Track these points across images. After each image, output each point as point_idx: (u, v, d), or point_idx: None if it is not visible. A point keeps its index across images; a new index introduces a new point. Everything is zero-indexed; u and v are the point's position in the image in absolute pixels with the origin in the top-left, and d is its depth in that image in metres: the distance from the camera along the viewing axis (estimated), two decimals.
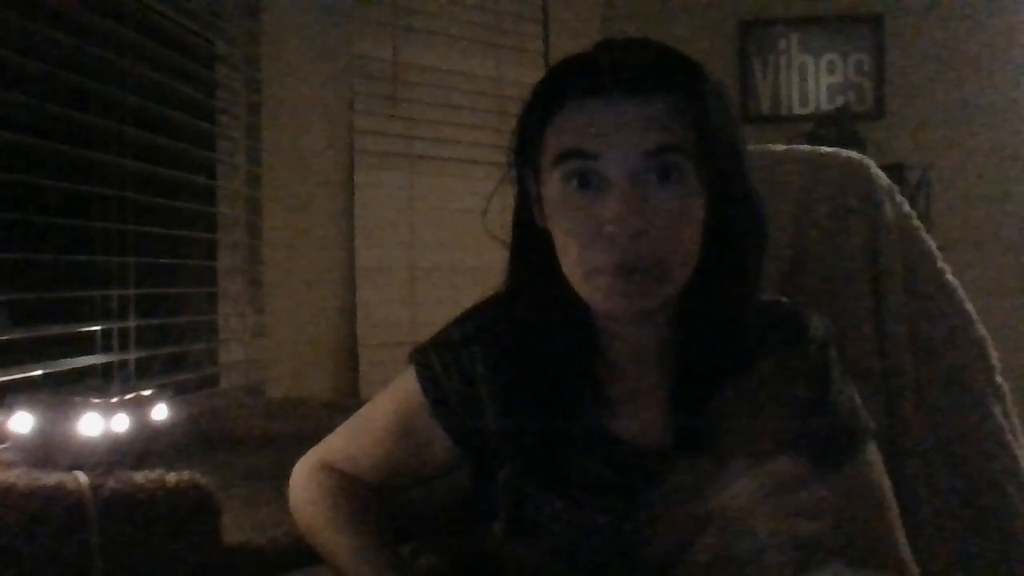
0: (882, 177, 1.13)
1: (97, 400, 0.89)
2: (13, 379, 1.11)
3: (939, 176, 2.77)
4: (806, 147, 1.18)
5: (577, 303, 0.77)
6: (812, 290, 1.09)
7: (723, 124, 0.73)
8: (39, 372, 1.17)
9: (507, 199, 0.83)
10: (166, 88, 1.56)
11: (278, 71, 1.86)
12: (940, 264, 1.11)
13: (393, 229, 2.12)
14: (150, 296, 1.49)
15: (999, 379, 1.08)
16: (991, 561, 1.02)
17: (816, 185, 1.12)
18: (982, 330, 1.09)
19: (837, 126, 2.73)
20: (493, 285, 0.85)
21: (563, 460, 0.79)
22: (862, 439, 0.80)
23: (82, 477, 0.80)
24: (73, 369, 1.25)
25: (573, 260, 0.74)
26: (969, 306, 1.10)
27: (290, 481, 0.92)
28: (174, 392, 1.29)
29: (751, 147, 0.85)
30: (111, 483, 0.80)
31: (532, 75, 2.22)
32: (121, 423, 0.89)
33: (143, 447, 0.91)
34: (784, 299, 0.87)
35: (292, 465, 0.93)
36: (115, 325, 1.38)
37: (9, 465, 0.83)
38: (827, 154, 1.15)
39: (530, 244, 0.80)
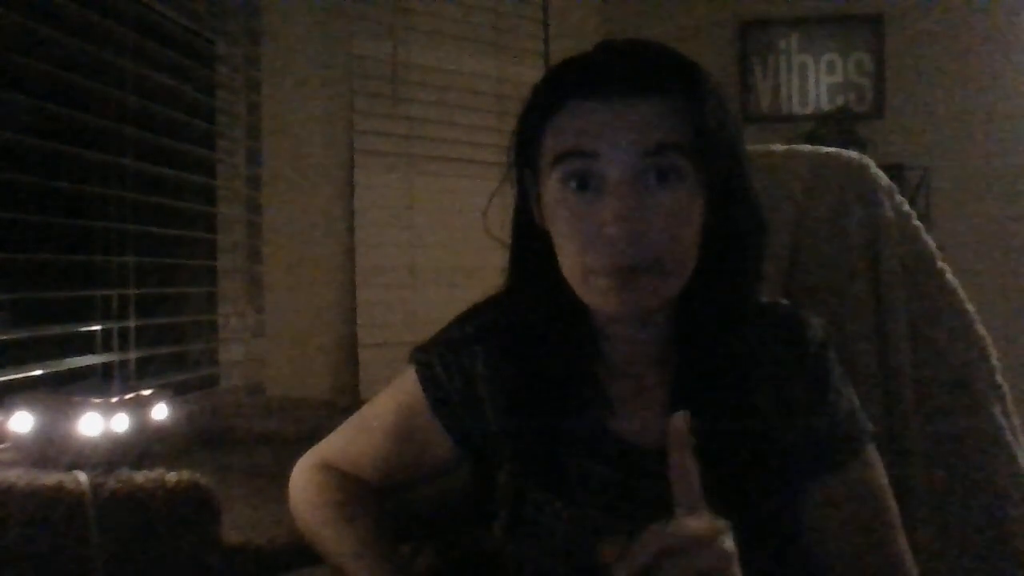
0: (882, 177, 1.13)
1: (97, 400, 0.89)
2: (13, 379, 1.11)
3: (939, 176, 2.77)
4: (806, 147, 1.18)
5: (577, 303, 0.77)
6: (812, 290, 1.09)
7: (722, 124, 0.73)
8: (39, 372, 1.17)
9: (507, 199, 0.83)
10: (166, 88, 1.56)
11: (278, 71, 1.86)
12: (940, 264, 1.11)
13: (393, 229, 2.12)
14: (150, 296, 1.49)
15: (999, 379, 1.08)
16: (991, 561, 1.02)
17: (816, 185, 1.12)
18: (982, 330, 1.09)
19: (837, 126, 2.74)
20: (493, 285, 0.85)
21: (563, 460, 0.79)
22: (861, 441, 0.80)
23: (82, 477, 0.80)
24: (73, 369, 1.25)
25: (572, 261, 0.74)
26: (969, 306, 1.10)
27: (290, 481, 0.92)
28: (174, 392, 1.29)
29: (751, 147, 0.85)
30: (111, 483, 0.80)
31: (532, 75, 2.22)
32: (121, 423, 0.89)
33: (143, 447, 0.91)
34: (783, 301, 0.87)
35: (292, 465, 0.93)
36: (115, 325, 1.38)
37: (9, 465, 0.83)
38: (827, 154, 1.15)
39: (530, 244, 0.80)
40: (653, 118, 0.70)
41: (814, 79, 2.99)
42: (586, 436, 0.79)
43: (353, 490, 0.88)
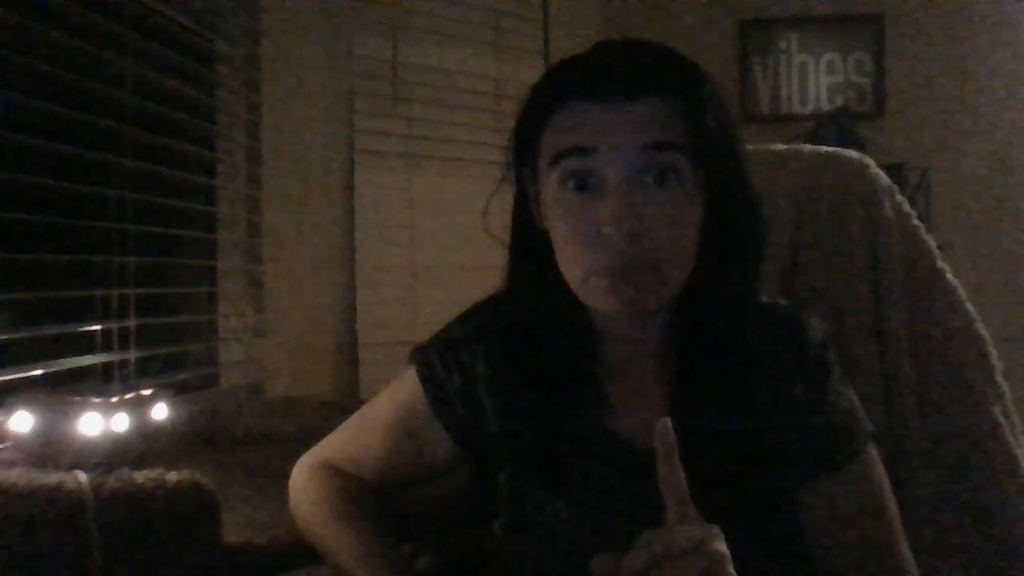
0: (882, 177, 1.13)
1: (97, 400, 0.89)
2: (13, 379, 1.11)
3: (939, 176, 2.77)
4: (806, 147, 1.18)
5: (576, 303, 0.77)
6: (812, 290, 1.09)
7: (721, 124, 0.73)
8: (39, 372, 1.17)
9: (507, 199, 0.83)
10: (166, 88, 1.55)
11: (278, 71, 1.86)
12: (940, 264, 1.11)
13: (393, 229, 2.12)
14: (150, 296, 1.49)
15: (999, 379, 1.08)
16: (991, 561, 1.02)
17: (816, 185, 1.12)
18: (982, 330, 1.09)
19: (837, 126, 2.73)
20: (493, 285, 0.85)
21: (563, 460, 0.79)
22: (862, 441, 0.80)
23: (82, 477, 0.80)
24: (73, 369, 1.25)
25: (570, 261, 0.74)
26: (969, 306, 1.10)
27: (290, 481, 0.92)
28: (174, 392, 1.29)
29: (751, 147, 0.85)
30: (111, 483, 0.80)
31: (532, 75, 2.21)
32: (121, 423, 0.89)
33: (143, 447, 0.91)
34: (783, 301, 0.87)
35: (292, 465, 0.93)
36: (115, 325, 1.38)
37: (9, 465, 0.83)
38: (827, 154, 1.15)
39: (529, 244, 0.80)
40: (652, 118, 0.70)
41: (814, 79, 2.99)
42: (586, 436, 0.79)
43: (353, 490, 0.88)
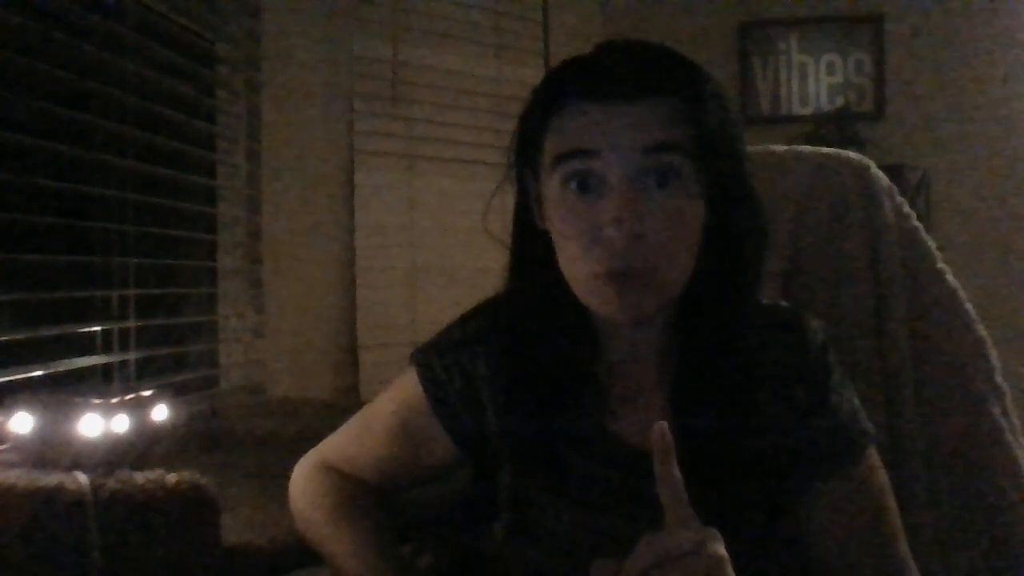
0: (882, 177, 1.13)
1: (97, 400, 0.89)
2: (13, 379, 1.11)
3: (939, 176, 2.77)
4: (806, 148, 1.18)
5: (577, 304, 0.77)
6: (812, 290, 1.09)
7: (723, 126, 0.73)
8: (39, 373, 1.17)
9: (507, 199, 0.83)
10: (166, 88, 1.56)
11: (278, 71, 1.86)
12: (940, 265, 1.11)
13: (393, 229, 2.12)
14: (150, 297, 1.49)
15: (999, 379, 1.08)
16: (991, 561, 1.02)
17: (816, 185, 1.12)
18: (982, 330, 1.09)
19: (837, 126, 2.73)
20: (493, 285, 0.85)
21: (563, 461, 0.79)
22: (862, 443, 0.80)
23: (82, 477, 0.80)
24: (73, 369, 1.25)
25: (571, 263, 0.74)
26: (969, 306, 1.10)
27: (290, 481, 0.92)
28: (174, 393, 1.29)
29: (751, 148, 0.85)
30: (111, 483, 0.80)
31: (532, 75, 2.23)
32: (121, 423, 0.89)
33: (143, 447, 0.91)
34: (783, 303, 0.87)
35: (292, 465, 0.93)
36: (115, 325, 1.38)
37: (9, 465, 0.83)
38: (827, 154, 1.15)
39: (530, 245, 0.80)
40: (653, 119, 0.70)
41: (814, 79, 2.99)
42: (586, 437, 0.79)
43: (353, 491, 0.88)
